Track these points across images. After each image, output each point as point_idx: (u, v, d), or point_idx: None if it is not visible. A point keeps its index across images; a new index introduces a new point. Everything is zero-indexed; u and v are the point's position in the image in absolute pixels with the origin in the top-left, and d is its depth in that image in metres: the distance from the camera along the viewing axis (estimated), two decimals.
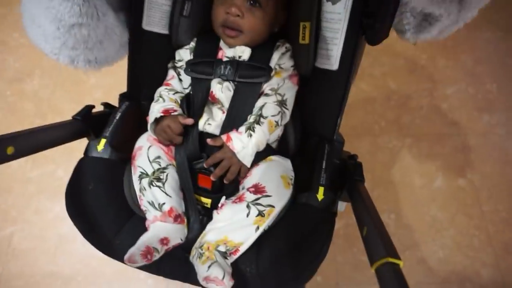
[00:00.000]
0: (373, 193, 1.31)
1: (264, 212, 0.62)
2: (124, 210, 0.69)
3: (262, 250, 0.62)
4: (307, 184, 0.67)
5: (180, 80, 0.77)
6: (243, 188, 0.67)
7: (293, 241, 0.62)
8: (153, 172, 0.67)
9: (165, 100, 0.72)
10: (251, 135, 0.65)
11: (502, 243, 1.23)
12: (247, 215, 0.61)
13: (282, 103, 0.70)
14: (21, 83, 1.60)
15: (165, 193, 0.65)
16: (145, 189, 0.66)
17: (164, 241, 0.62)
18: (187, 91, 0.76)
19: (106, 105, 0.80)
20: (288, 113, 0.72)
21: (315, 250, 0.60)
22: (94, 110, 0.77)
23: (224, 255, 0.60)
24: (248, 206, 0.62)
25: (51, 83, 1.60)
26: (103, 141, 0.70)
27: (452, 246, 1.24)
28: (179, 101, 0.73)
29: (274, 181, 0.66)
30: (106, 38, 0.62)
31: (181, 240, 0.65)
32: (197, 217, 0.67)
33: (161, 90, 0.75)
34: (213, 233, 0.62)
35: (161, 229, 0.63)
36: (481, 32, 1.69)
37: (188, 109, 0.72)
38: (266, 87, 0.72)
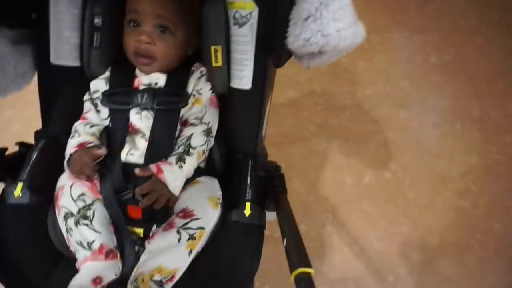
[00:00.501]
0: (309, 196, 1.39)
1: (195, 235, 0.63)
2: (52, 254, 0.66)
3: (197, 274, 0.63)
4: (235, 201, 0.70)
5: (98, 111, 0.76)
6: (173, 212, 0.68)
7: (225, 261, 0.64)
8: (79, 211, 0.64)
9: (80, 135, 0.71)
10: (181, 166, 0.66)
11: (427, 227, 1.36)
12: (179, 241, 0.62)
13: (208, 132, 0.72)
14: None
15: (94, 229, 0.63)
16: (71, 229, 0.64)
17: (97, 280, 0.60)
18: (106, 122, 0.75)
19: (21, 144, 0.76)
20: (213, 140, 0.74)
21: (246, 266, 0.62)
22: (8, 151, 0.73)
23: (160, 284, 0.60)
24: (178, 232, 0.62)
25: None
26: (20, 185, 0.67)
27: (384, 236, 1.34)
28: (98, 134, 0.72)
29: (202, 203, 0.67)
30: None
31: (116, 275, 0.63)
32: (131, 248, 0.66)
33: (77, 124, 0.73)
34: (146, 264, 0.62)
35: (92, 269, 0.61)
36: (390, 33, 1.87)
37: (108, 141, 0.72)
38: (189, 116, 0.73)
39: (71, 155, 0.68)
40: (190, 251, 0.62)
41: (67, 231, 0.64)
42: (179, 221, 0.64)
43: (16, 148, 0.76)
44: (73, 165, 0.68)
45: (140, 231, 0.68)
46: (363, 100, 1.66)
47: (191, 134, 0.71)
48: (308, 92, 1.66)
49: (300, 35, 0.54)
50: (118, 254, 0.65)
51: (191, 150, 0.69)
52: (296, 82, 1.67)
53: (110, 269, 0.63)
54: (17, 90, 0.68)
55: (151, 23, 0.70)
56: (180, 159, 0.67)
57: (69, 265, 0.64)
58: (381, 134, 1.56)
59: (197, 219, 0.64)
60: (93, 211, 0.65)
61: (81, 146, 0.68)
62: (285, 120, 1.57)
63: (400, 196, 1.42)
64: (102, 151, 0.67)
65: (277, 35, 0.58)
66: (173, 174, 0.66)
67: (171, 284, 0.61)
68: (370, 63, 1.77)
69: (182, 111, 0.73)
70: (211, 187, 0.72)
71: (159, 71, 0.74)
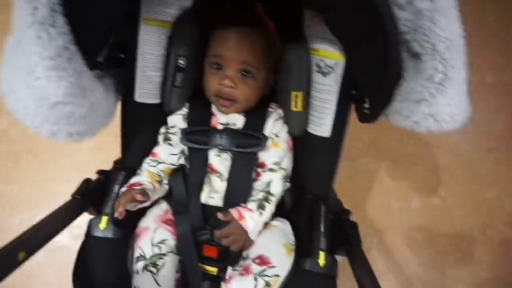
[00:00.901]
0: (355, 217, 1.38)
1: (270, 282, 0.64)
2: None
3: None
4: (307, 247, 0.71)
5: (170, 145, 0.77)
6: (247, 256, 0.69)
7: None
8: (151, 257, 0.66)
9: (142, 173, 0.73)
10: (261, 213, 0.68)
11: (476, 259, 1.33)
12: (255, 287, 0.63)
13: (286, 177, 0.74)
14: None
15: (156, 281, 0.65)
16: (138, 272, 0.66)
17: None
18: (175, 158, 0.77)
19: (101, 172, 0.79)
20: (289, 184, 0.75)
21: None
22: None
23: None
24: (255, 279, 0.64)
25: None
26: (105, 219, 0.70)
27: (430, 264, 1.32)
28: (161, 173, 0.74)
29: (278, 251, 0.68)
30: (90, 113, 0.60)
31: None
32: (200, 283, 0.69)
33: (145, 161, 0.76)
34: None
35: None
36: None
37: (184, 178, 0.74)
38: (267, 159, 0.74)
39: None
40: None
41: (133, 271, 0.67)
42: (256, 268, 0.65)
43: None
44: (116, 201, 0.69)
45: (213, 269, 0.71)
46: None
47: (271, 180, 0.72)
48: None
49: (409, 116, 0.53)
50: None
51: (270, 197, 0.70)
52: None
53: None
54: (104, 128, 0.70)
55: (235, 68, 0.71)
56: (260, 206, 0.69)
57: None
58: (431, 158, 1.52)
59: (273, 266, 0.65)
60: (164, 262, 0.67)
61: (131, 186, 0.70)
62: None
63: (448, 224, 1.40)
64: (139, 196, 0.67)
65: (377, 103, 0.57)
66: (254, 221, 0.67)
67: None
68: None
69: (259, 153, 0.74)
70: (285, 232, 0.73)
71: (238, 112, 0.75)
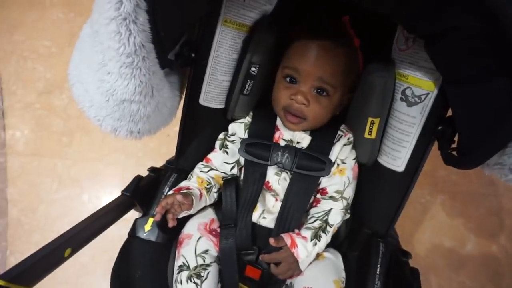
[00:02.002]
0: None
1: None
2: None
3: None
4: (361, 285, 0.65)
5: (226, 153, 0.74)
6: (291, 285, 0.65)
7: None
8: (195, 267, 0.63)
9: (191, 179, 0.71)
10: (316, 244, 0.64)
11: None
12: None
13: (347, 208, 0.69)
14: (51, 97, 1.58)
15: None
16: (181, 283, 0.63)
17: None
18: (228, 167, 0.73)
19: (152, 170, 0.77)
20: (349, 215, 0.70)
21: None
22: None
23: None
24: None
25: None
26: (151, 220, 0.68)
27: None
28: (211, 180, 0.72)
29: (326, 285, 0.63)
30: (155, 113, 0.58)
31: None
32: None
33: (197, 166, 0.74)
34: None
35: None
36: None
37: (236, 191, 0.70)
38: (329, 186, 0.69)
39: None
40: None
41: (175, 281, 0.64)
42: None
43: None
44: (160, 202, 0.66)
45: None
46: None
47: (330, 209, 0.67)
48: None
49: None
50: None
51: (328, 227, 0.66)
52: None
53: None
54: (164, 127, 0.67)
55: (310, 84, 0.65)
56: (316, 236, 0.64)
57: None
58: (495, 200, 1.39)
59: None
60: (208, 273, 0.63)
61: (178, 190, 0.67)
62: None
63: (506, 276, 1.26)
64: (179, 198, 0.63)
65: (476, 153, 0.49)
66: (306, 251, 0.63)
67: None
68: None
69: (321, 178, 0.68)
70: (336, 266, 0.67)
71: (305, 130, 0.70)
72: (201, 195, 0.69)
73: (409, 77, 0.61)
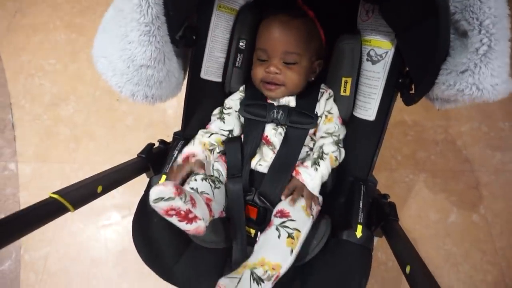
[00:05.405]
0: None
1: (293, 235, 0.66)
2: (183, 240, 0.76)
3: (307, 285, 0.70)
4: (346, 221, 0.75)
5: (223, 122, 0.85)
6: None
7: (335, 276, 0.69)
8: (211, 176, 0.73)
9: (194, 144, 0.81)
10: (316, 169, 0.75)
11: (510, 278, 1.29)
12: (279, 237, 0.66)
13: (338, 142, 0.80)
14: (57, 108, 1.70)
15: (212, 193, 0.69)
16: (195, 180, 0.69)
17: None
18: (225, 133, 0.84)
19: (161, 142, 0.88)
20: (343, 151, 0.81)
21: (355, 285, 0.66)
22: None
23: (259, 280, 0.60)
24: (277, 229, 0.67)
25: (85, 109, 1.70)
26: (164, 177, 0.78)
27: (466, 281, 1.30)
28: (214, 142, 0.81)
29: (297, 209, 0.72)
30: (166, 80, 0.69)
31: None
32: (243, 243, 0.73)
33: (198, 133, 0.84)
34: (250, 259, 0.65)
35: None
36: None
37: (241, 148, 0.81)
38: (320, 132, 0.82)
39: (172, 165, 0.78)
40: (291, 250, 0.64)
41: (190, 180, 0.70)
42: (276, 220, 0.70)
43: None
44: (169, 173, 0.77)
45: (252, 231, 0.77)
46: (456, 136, 1.61)
47: (323, 144, 0.79)
48: (399, 121, 1.66)
49: (454, 85, 0.57)
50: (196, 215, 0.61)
51: (324, 155, 0.77)
52: None
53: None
54: (172, 97, 0.78)
55: (278, 57, 0.78)
56: (315, 163, 0.76)
57: (195, 253, 0.75)
58: (472, 175, 1.51)
59: (292, 220, 0.69)
60: (220, 186, 0.73)
61: (187, 158, 0.78)
62: None
63: (487, 241, 1.37)
64: (193, 168, 0.74)
65: (422, 81, 0.62)
66: (309, 176, 0.75)
67: (270, 284, 0.61)
68: None
69: (313, 129, 0.81)
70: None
71: (285, 95, 0.82)
72: (206, 157, 0.80)
73: (372, 41, 0.76)
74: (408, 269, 0.57)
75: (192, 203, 0.58)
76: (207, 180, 0.71)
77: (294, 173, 0.75)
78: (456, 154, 1.57)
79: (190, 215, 0.58)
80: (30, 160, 1.56)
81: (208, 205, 0.64)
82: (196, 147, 0.80)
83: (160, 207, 0.56)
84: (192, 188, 0.67)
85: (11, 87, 1.73)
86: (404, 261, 0.59)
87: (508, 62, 0.55)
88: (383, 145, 1.55)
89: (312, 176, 0.75)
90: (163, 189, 0.55)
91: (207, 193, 0.68)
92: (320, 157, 0.77)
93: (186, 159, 0.78)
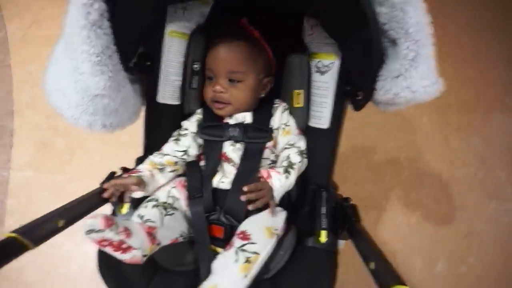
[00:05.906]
0: None
1: (250, 259, 0.65)
2: (151, 266, 0.72)
3: None
4: (311, 229, 0.74)
5: (177, 144, 0.84)
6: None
7: (304, 282, 0.68)
8: (164, 202, 0.72)
9: (144, 163, 0.80)
10: (287, 177, 0.75)
11: None
12: (236, 261, 0.64)
13: (302, 152, 0.81)
14: (57, 119, 1.65)
15: (162, 220, 0.70)
16: (145, 207, 0.71)
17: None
18: (179, 154, 0.83)
19: (124, 169, 0.83)
20: (306, 161, 0.82)
21: (324, 286, 0.66)
22: None
23: None
24: (236, 252, 0.66)
25: None
26: (126, 205, 0.76)
27: None
28: (164, 162, 0.80)
29: (259, 231, 0.70)
30: (121, 107, 0.70)
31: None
32: (208, 264, 0.68)
33: (153, 154, 0.82)
34: (206, 282, 0.64)
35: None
36: (493, 114, 1.65)
37: (198, 168, 0.81)
38: (280, 145, 0.83)
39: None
40: (245, 275, 0.63)
41: (140, 207, 0.72)
42: (237, 242, 0.68)
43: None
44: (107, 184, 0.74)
45: (220, 249, 0.73)
46: (451, 181, 1.54)
47: (288, 155, 0.79)
48: (394, 159, 1.60)
49: (390, 90, 0.62)
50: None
51: (293, 165, 0.77)
52: (383, 148, 1.62)
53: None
54: (132, 124, 0.79)
55: (224, 76, 0.81)
56: (287, 171, 0.75)
57: (164, 277, 0.72)
58: (465, 223, 1.44)
59: (253, 243, 0.67)
60: (173, 214, 0.73)
61: (130, 173, 0.76)
62: (364, 184, 1.52)
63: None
64: (131, 185, 0.72)
65: (365, 87, 0.67)
66: (279, 181, 0.74)
67: None
68: (465, 144, 1.62)
69: (270, 144, 0.82)
70: (274, 219, 0.73)
71: (231, 113, 0.84)
72: (152, 175, 0.77)
73: (318, 53, 0.81)
74: (372, 265, 0.55)
75: (127, 233, 0.58)
76: (158, 207, 0.72)
77: (265, 175, 0.74)
78: (449, 199, 1.51)
79: (124, 246, 0.58)
80: (23, 168, 1.53)
81: (150, 234, 0.63)
82: (143, 166, 0.79)
83: (92, 238, 0.57)
84: (139, 215, 0.69)
85: (15, 95, 1.70)
86: (368, 258, 0.58)
87: (434, 64, 0.61)
88: (374, 183, 1.51)
89: (281, 183, 0.74)
90: (93, 221, 0.56)
91: (153, 221, 0.68)
92: (290, 166, 0.77)
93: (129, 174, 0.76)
